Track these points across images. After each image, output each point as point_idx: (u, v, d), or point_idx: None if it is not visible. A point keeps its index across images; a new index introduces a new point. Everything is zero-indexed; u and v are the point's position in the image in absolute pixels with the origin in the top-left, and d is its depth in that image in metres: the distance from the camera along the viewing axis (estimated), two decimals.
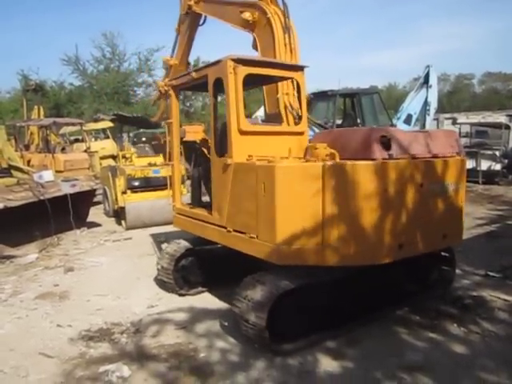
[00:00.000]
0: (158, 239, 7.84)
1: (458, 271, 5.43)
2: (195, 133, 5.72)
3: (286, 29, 5.03)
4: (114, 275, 6.18)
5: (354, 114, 12.04)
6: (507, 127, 16.33)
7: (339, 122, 12.02)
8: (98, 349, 4.06)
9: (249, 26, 5.26)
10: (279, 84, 5.06)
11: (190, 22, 6.54)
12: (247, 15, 5.16)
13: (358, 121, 11.87)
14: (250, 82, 4.65)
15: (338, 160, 3.82)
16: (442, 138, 4.53)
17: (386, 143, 3.93)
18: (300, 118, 4.85)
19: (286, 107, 4.98)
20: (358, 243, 3.74)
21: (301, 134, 4.77)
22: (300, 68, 4.74)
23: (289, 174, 3.76)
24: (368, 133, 4.13)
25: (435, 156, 4.31)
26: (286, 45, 5.08)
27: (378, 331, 4.22)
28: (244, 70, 4.22)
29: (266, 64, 4.52)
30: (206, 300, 5.11)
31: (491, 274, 5.73)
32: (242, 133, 4.26)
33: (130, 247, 7.79)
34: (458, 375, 3.48)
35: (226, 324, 4.40)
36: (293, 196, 3.71)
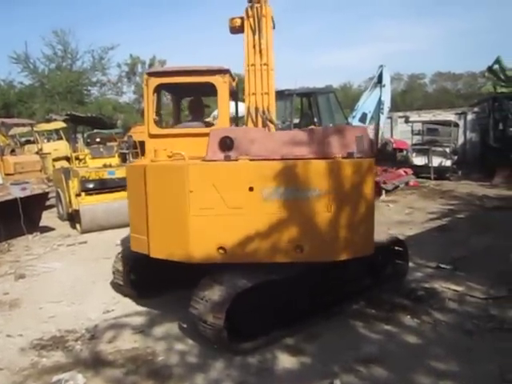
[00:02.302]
0: (115, 242, 7.65)
1: (411, 264, 5.61)
2: (141, 132, 5.73)
3: (258, 30, 5.13)
4: (68, 280, 5.98)
5: (311, 113, 12.23)
6: (456, 125, 17.02)
7: (297, 121, 12.18)
8: (51, 358, 3.92)
9: (236, 31, 5.42)
10: (246, 85, 5.15)
11: None
12: (237, 22, 5.34)
13: (315, 120, 12.06)
14: (172, 91, 5.50)
15: (174, 160, 4.26)
16: (331, 136, 4.00)
17: (229, 144, 3.96)
18: (269, 120, 4.93)
19: (255, 109, 5.07)
20: (180, 242, 3.95)
21: None
22: (217, 72, 4.78)
23: (129, 173, 4.48)
24: (211, 134, 4.12)
25: (300, 158, 3.89)
26: (254, 46, 5.16)
27: (335, 325, 4.30)
28: (154, 82, 4.73)
29: (179, 73, 4.78)
30: (165, 302, 5.01)
31: (442, 265, 5.96)
32: (152, 136, 4.74)
33: (85, 251, 7.57)
34: (411, 365, 3.60)
35: (185, 326, 4.35)
36: (138, 194, 4.23)
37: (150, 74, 4.80)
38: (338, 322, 4.35)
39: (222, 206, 3.79)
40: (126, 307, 4.98)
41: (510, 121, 14.98)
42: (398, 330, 4.18)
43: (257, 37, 5.15)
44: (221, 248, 3.85)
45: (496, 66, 21.72)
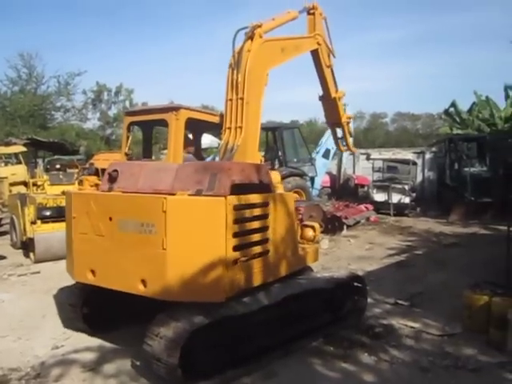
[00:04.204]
0: None
1: (370, 300, 5.66)
2: (104, 160, 5.83)
3: (235, 64, 5.38)
4: (16, 313, 5.66)
5: (275, 148, 12.44)
6: (414, 163, 17.70)
7: (262, 154, 12.32)
8: None
9: None
10: (226, 119, 5.31)
11: None
12: None
13: (280, 154, 12.26)
14: (142, 128, 6.28)
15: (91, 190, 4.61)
16: (192, 172, 4.05)
17: (114, 177, 4.34)
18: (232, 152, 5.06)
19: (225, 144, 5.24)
20: (70, 262, 4.48)
21: None
22: (169, 109, 5.19)
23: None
24: (109, 166, 4.58)
25: (156, 192, 3.98)
26: (231, 81, 5.33)
27: (293, 363, 4.24)
28: (127, 120, 5.45)
29: (144, 111, 5.46)
30: (119, 337, 4.80)
31: (400, 302, 6.04)
32: None
33: (37, 282, 7.23)
34: None
35: (138, 364, 4.17)
36: None
37: (125, 114, 5.33)
38: (295, 360, 4.29)
39: (92, 232, 4.15)
40: (77, 343, 4.74)
41: (464, 161, 15.69)
42: (356, 369, 4.16)
43: (235, 71, 5.32)
44: (92, 271, 4.18)
45: (452, 109, 23.02)
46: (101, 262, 4.11)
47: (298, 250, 4.80)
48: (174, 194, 3.83)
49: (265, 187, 4.30)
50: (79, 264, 4.31)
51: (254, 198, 4.06)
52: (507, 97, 21.89)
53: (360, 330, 4.99)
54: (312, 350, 4.52)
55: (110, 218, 3.97)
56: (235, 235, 3.81)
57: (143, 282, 3.75)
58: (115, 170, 4.37)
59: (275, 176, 5.16)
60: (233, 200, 3.77)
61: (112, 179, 4.35)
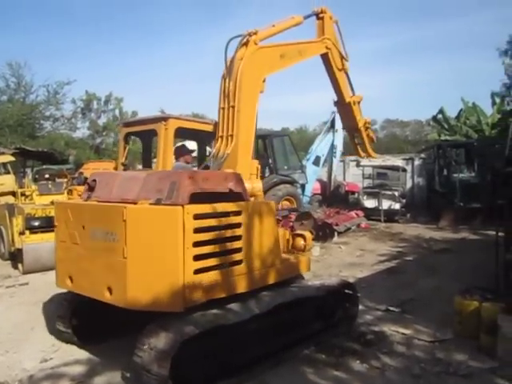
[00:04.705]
0: None
1: (361, 307, 5.66)
2: (94, 169, 5.87)
3: (227, 73, 5.39)
4: (3, 326, 5.56)
5: (266, 155, 12.48)
6: (404, 170, 17.86)
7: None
8: None
9: None
10: (218, 128, 5.40)
11: None
12: None
13: (270, 161, 12.30)
14: (140, 138, 6.38)
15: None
16: (155, 180, 4.01)
17: (92, 186, 4.46)
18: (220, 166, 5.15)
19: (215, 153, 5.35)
20: (55, 270, 4.62)
21: None
22: (158, 119, 5.33)
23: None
24: (90, 176, 4.80)
25: (123, 201, 3.98)
26: (224, 90, 5.34)
27: (285, 372, 4.21)
28: (123, 131, 5.67)
29: (138, 122, 5.78)
30: (109, 349, 4.72)
31: (391, 308, 6.06)
32: None
33: (25, 293, 7.13)
34: None
35: (128, 375, 4.10)
36: None
37: (122, 125, 5.57)
38: (287, 369, 4.27)
39: (69, 240, 4.32)
40: (66, 355, 4.67)
41: (453, 167, 15.86)
42: (348, 376, 4.15)
43: (227, 80, 5.33)
44: (70, 277, 4.34)
45: (440, 116, 23.30)
46: (76, 269, 4.32)
47: (280, 260, 4.66)
48: (132, 203, 3.86)
49: (237, 196, 4.19)
50: (60, 271, 4.55)
51: (221, 206, 3.95)
52: (494, 103, 22.24)
53: (351, 338, 4.98)
54: (304, 359, 4.50)
55: (83, 227, 4.14)
56: (196, 244, 3.70)
57: (109, 289, 3.85)
58: (94, 180, 4.49)
59: (256, 185, 5.14)
60: (192, 209, 3.68)
61: (91, 189, 4.48)
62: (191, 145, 6.09)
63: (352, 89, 7.88)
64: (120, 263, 3.71)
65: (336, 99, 8.01)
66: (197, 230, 3.71)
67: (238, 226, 4.08)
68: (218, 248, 3.90)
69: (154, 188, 3.90)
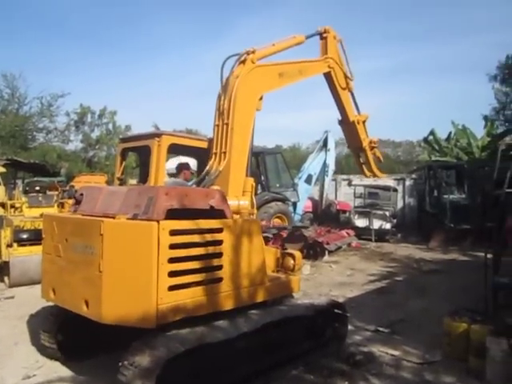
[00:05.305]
0: None
1: (350, 327, 5.63)
2: (85, 182, 5.88)
3: (223, 91, 5.45)
4: None
5: (258, 173, 12.52)
6: (395, 190, 17.98)
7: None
8: None
9: None
10: (213, 145, 5.48)
11: None
12: None
13: (262, 179, 12.34)
14: (137, 153, 6.42)
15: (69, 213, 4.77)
16: (134, 195, 4.02)
17: (79, 200, 4.56)
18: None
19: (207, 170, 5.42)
20: (41, 283, 4.66)
21: None
22: (151, 136, 5.49)
23: None
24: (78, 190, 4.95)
25: (103, 215, 4.01)
26: (219, 108, 5.39)
27: None
28: (120, 146, 6.07)
29: (133, 138, 6.10)
30: (94, 366, 4.62)
31: (380, 329, 6.02)
32: None
33: (11, 307, 7.01)
34: None
35: None
36: None
37: (119, 141, 5.59)
38: None
39: (53, 252, 4.36)
40: (50, 372, 4.57)
41: (443, 188, 16.00)
42: None
43: (222, 97, 5.39)
44: (53, 290, 4.37)
45: (431, 137, 23.59)
46: (59, 282, 4.34)
47: (268, 278, 4.62)
48: (111, 217, 3.87)
49: (218, 213, 4.15)
50: (45, 282, 4.59)
51: (201, 223, 3.92)
52: (486, 126, 22.60)
53: (340, 358, 4.93)
54: (292, 379, 4.45)
55: (66, 240, 4.20)
56: (172, 261, 3.66)
57: (86, 302, 3.86)
58: (81, 194, 4.58)
59: (244, 202, 5.14)
60: (168, 224, 3.64)
61: (77, 202, 4.57)
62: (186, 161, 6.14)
63: (357, 108, 7.86)
64: (96, 277, 3.72)
65: (340, 118, 7.97)
66: (173, 246, 3.66)
67: (218, 243, 4.03)
68: (196, 265, 3.84)
69: (133, 203, 3.88)
